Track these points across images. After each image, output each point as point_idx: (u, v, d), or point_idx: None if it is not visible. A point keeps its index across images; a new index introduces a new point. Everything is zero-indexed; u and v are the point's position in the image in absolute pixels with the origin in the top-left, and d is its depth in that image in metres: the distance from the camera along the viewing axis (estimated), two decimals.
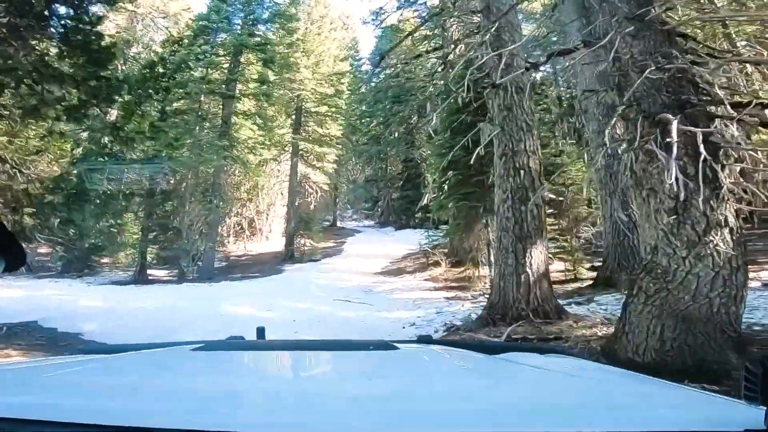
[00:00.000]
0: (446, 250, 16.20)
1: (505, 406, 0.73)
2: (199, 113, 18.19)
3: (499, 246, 7.39)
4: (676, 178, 3.62)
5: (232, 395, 0.78)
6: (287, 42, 20.66)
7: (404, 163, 26.54)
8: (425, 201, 20.75)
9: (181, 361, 1.16)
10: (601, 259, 10.69)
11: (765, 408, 0.61)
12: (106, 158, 18.47)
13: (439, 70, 19.86)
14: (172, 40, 20.08)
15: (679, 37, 4.61)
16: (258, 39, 19.10)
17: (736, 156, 4.14)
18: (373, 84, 24.92)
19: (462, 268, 14.99)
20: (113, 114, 20.30)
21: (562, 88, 16.85)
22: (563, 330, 6.54)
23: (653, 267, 4.30)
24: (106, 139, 18.49)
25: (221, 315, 9.63)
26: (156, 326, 8.60)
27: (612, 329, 6.37)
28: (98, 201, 17.83)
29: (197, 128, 17.79)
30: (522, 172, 7.50)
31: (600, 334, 6.26)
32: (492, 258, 11.52)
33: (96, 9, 9.01)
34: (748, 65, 7.03)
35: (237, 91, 18.17)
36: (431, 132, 16.63)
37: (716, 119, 4.10)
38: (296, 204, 21.19)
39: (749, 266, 4.45)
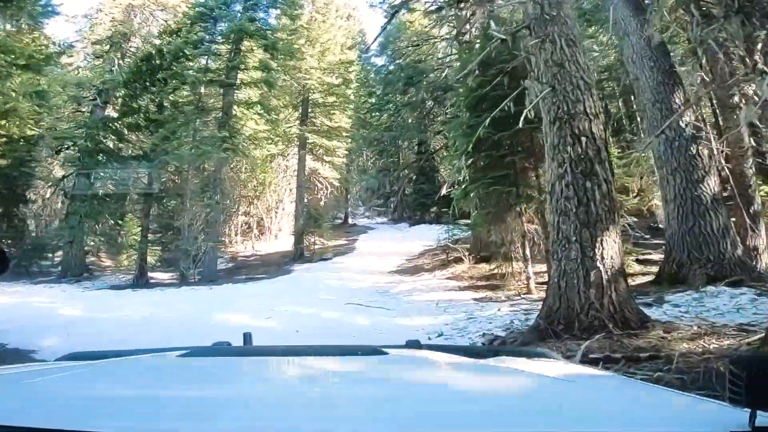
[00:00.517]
0: (468, 246, 14.33)
1: (494, 410, 0.70)
2: (199, 104, 16.50)
3: (557, 235, 5.52)
4: None
5: (217, 402, 0.75)
6: (290, 28, 18.91)
7: (417, 155, 24.69)
8: (443, 192, 18.91)
9: (167, 368, 1.12)
10: (663, 251, 8.73)
11: (749, 410, 0.60)
12: (100, 155, 16.96)
13: (455, 51, 18.05)
14: (170, 31, 18.47)
15: None
16: (259, 25, 17.35)
17: None
18: (382, 65, 23.06)
19: (488, 265, 13.11)
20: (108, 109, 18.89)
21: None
22: (655, 343, 4.67)
23: None
24: (101, 134, 17.05)
25: (212, 325, 7.87)
26: (130, 340, 6.85)
27: (725, 340, 4.61)
28: (94, 202, 16.33)
29: (196, 120, 16.10)
30: (583, 139, 5.63)
31: (711, 347, 4.41)
32: (528, 251, 9.64)
33: None
34: None
35: (238, 80, 16.44)
36: (448, 117, 14.82)
37: None
38: (305, 200, 19.43)
39: None
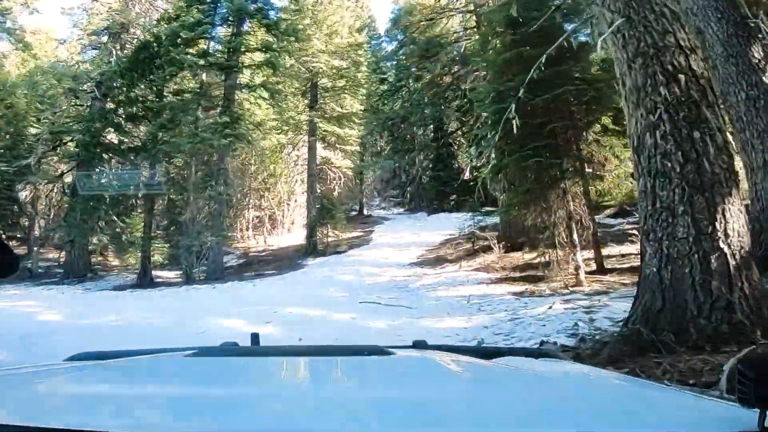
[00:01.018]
0: (497, 233, 12.61)
1: (501, 412, 0.67)
2: (199, 91, 15.02)
3: (651, 206, 3.83)
4: None
5: (225, 401, 0.72)
6: (294, 8, 17.28)
7: (434, 140, 22.91)
8: (467, 175, 17.15)
9: (175, 367, 1.09)
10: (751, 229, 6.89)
11: (758, 410, 0.58)
12: (98, 149, 15.61)
13: (473, 23, 16.25)
14: (168, 17, 16.98)
15: None
16: (259, 5, 15.74)
17: None
18: (394, 49, 21.28)
19: (520, 254, 11.39)
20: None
21: None
22: None
23: None
24: (99, 127, 15.69)
25: (201, 332, 6.35)
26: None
27: None
28: (94, 198, 15.00)
29: (196, 107, 14.62)
30: (681, 77, 3.91)
31: None
32: (575, 236, 7.91)
33: None
34: None
35: (239, 62, 14.88)
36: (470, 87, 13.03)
37: None
38: (317, 191, 17.88)
39: None
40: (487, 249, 12.03)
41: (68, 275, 16.35)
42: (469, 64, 13.70)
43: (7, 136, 16.64)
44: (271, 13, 16.14)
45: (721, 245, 3.48)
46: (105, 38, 19.55)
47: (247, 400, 0.74)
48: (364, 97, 21.01)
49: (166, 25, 16.01)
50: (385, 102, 24.88)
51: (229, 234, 14.30)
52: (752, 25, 7.23)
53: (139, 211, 15.93)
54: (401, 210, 25.46)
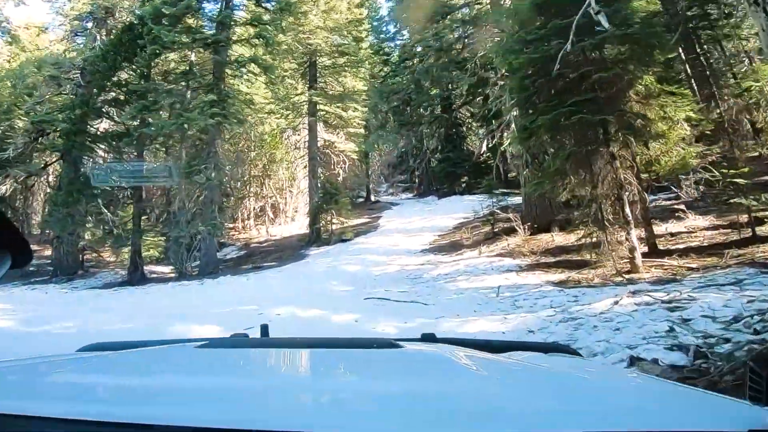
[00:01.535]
0: (521, 214, 10.93)
1: (510, 407, 0.64)
2: (187, 70, 13.38)
3: None
4: None
5: (236, 392, 0.72)
6: None
7: (442, 121, 21.10)
8: (484, 149, 15.40)
9: (186, 359, 1.06)
10: None
11: None
12: (80, 137, 14.09)
13: None
14: None
15: None
16: None
17: None
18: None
19: (547, 236, 9.73)
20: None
21: None
22: None
23: None
24: (78, 111, 14.14)
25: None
26: None
27: None
28: (78, 190, 13.52)
29: (184, 87, 13.01)
30: None
31: None
32: (628, 211, 6.24)
33: None
34: None
35: (228, 37, 13.20)
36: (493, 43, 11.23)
37: None
38: (319, 175, 16.26)
39: None
40: (510, 231, 10.35)
41: (57, 273, 14.95)
42: (480, 24, 11.86)
43: None
44: None
45: None
46: (90, 24, 18.05)
47: (256, 391, 0.73)
48: (367, 78, 19.22)
49: (149, 2, 14.36)
50: (390, 83, 23.07)
51: (224, 224, 12.71)
52: None
53: (129, 202, 14.39)
54: (410, 195, 23.78)
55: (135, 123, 13.41)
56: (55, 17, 18.59)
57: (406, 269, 9.11)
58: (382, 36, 26.05)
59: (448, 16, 13.44)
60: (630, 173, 6.62)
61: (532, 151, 9.85)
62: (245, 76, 13.11)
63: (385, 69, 24.12)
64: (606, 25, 5.32)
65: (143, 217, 15.46)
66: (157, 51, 13.07)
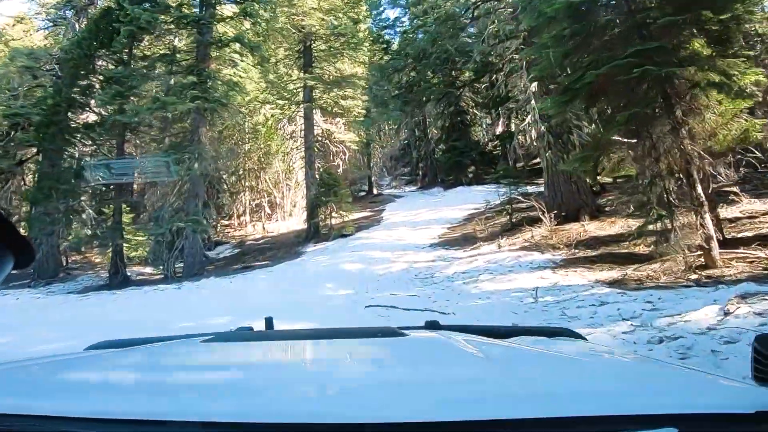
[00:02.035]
0: (545, 202, 9.39)
1: (514, 392, 0.63)
2: (164, 53, 11.91)
3: None
4: None
5: (245, 385, 0.72)
6: None
7: (447, 109, 19.55)
8: (500, 129, 13.80)
9: (193, 353, 1.06)
10: None
11: None
12: (53, 128, 12.65)
13: None
14: None
15: None
16: None
17: None
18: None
19: (576, 225, 8.24)
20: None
21: None
22: None
23: None
24: (50, 101, 12.69)
25: None
26: None
27: None
28: (52, 186, 12.09)
29: (165, 71, 11.54)
30: None
31: None
32: (700, 191, 4.74)
33: None
34: None
35: (211, 14, 11.68)
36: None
37: None
38: (316, 166, 14.76)
39: None
40: (533, 221, 8.83)
41: (36, 276, 13.56)
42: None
43: None
44: None
45: None
46: (70, 13, 16.61)
47: (264, 384, 0.72)
48: (366, 63, 17.63)
49: None
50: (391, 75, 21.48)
51: (210, 220, 11.20)
52: None
53: (104, 198, 12.94)
54: (414, 188, 22.21)
55: (111, 111, 11.94)
56: (30, 6, 17.14)
57: (415, 267, 7.63)
58: (381, 23, 24.49)
59: None
60: (697, 145, 5.08)
61: (569, 122, 8.37)
62: (228, 57, 11.57)
63: (385, 57, 22.57)
64: None
65: (131, 215, 14.08)
66: (133, 32, 11.58)
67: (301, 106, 15.71)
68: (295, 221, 17.37)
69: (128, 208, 14.51)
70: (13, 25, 16.99)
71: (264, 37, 13.65)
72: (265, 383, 0.72)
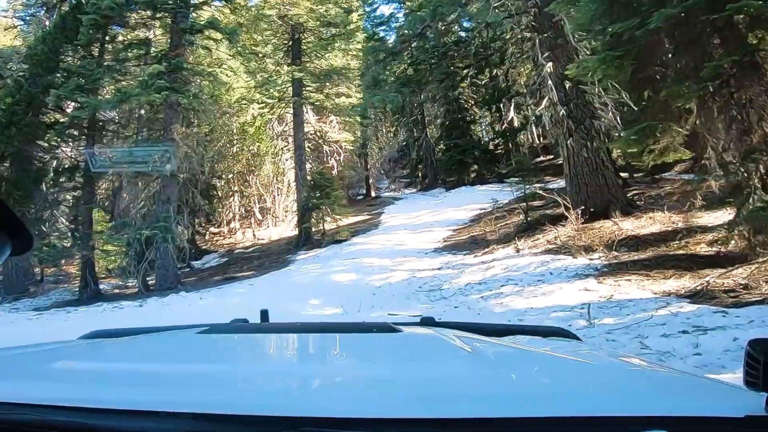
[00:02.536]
0: (566, 198, 8.04)
1: (506, 390, 0.63)
2: (129, 42, 10.63)
3: None
4: None
5: (236, 377, 0.72)
6: None
7: (446, 105, 18.28)
8: (511, 117, 12.41)
9: (187, 344, 1.03)
10: None
11: (766, 393, 0.55)
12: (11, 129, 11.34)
13: None
14: None
15: None
16: None
17: None
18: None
19: (611, 222, 6.92)
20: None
21: None
22: None
23: None
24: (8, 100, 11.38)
25: None
26: None
27: None
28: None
29: (134, 61, 10.24)
30: None
31: None
32: None
33: None
34: None
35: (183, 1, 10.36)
36: None
37: None
38: (306, 167, 13.43)
39: None
40: (553, 220, 7.50)
41: (2, 291, 12.20)
42: None
43: None
44: None
45: None
46: (42, 12, 15.42)
47: (257, 376, 0.73)
48: (359, 56, 16.35)
49: None
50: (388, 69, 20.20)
51: (183, 226, 9.78)
52: None
53: (66, 205, 11.56)
54: (413, 190, 20.82)
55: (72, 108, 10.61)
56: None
57: (419, 277, 6.27)
58: (375, 20, 23.25)
59: None
60: None
61: (590, 105, 7.12)
62: (202, 44, 10.24)
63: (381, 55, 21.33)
64: None
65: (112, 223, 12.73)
66: (98, 22, 10.26)
67: (291, 103, 14.41)
68: (288, 227, 16.01)
69: (104, 215, 13.25)
70: None
71: (247, 27, 12.42)
72: (256, 376, 0.72)
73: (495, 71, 18.75)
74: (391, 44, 18.15)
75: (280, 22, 13.91)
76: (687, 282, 3.90)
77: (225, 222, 17.75)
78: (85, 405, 0.54)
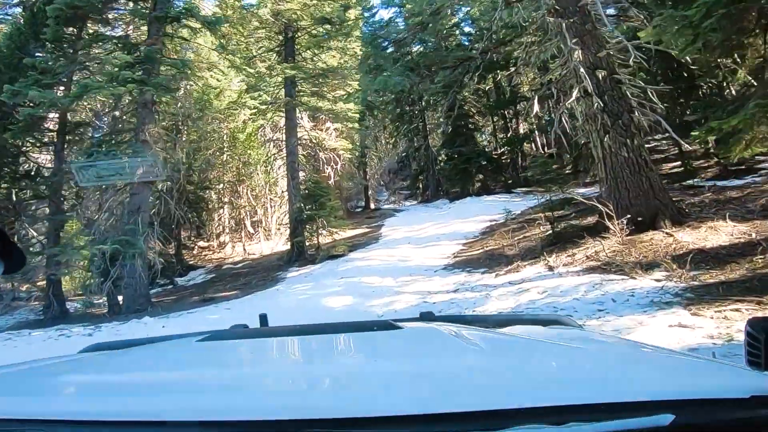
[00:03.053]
0: (594, 205, 6.78)
1: (509, 381, 0.61)
2: (95, 32, 9.47)
3: None
4: None
5: (241, 383, 0.69)
6: None
7: (448, 113, 17.14)
8: (536, 106, 11.05)
9: (189, 352, 1.01)
10: None
11: None
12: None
13: None
14: None
15: None
16: None
17: None
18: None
19: (662, 234, 5.68)
20: None
21: None
22: None
23: None
24: None
25: None
26: None
27: None
28: None
29: (104, 55, 9.06)
30: None
31: None
32: None
33: None
34: None
35: None
36: None
37: None
38: (299, 175, 12.19)
39: None
40: (588, 231, 6.23)
41: None
42: None
43: None
44: None
45: None
46: (18, 10, 14.32)
47: (261, 381, 0.71)
48: (357, 56, 15.24)
49: None
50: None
51: (153, 240, 8.42)
52: None
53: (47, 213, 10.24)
54: (414, 202, 19.62)
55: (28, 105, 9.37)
56: None
57: (432, 302, 4.97)
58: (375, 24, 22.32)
59: None
60: None
61: (627, 99, 5.95)
62: (178, 34, 9.07)
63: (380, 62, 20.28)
64: None
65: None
66: (64, 13, 9.09)
67: (283, 104, 13.21)
68: (280, 241, 14.71)
69: (74, 227, 11.95)
70: None
71: (237, 26, 11.33)
72: (261, 380, 0.70)
73: (499, 76, 17.75)
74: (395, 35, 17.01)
75: (273, 20, 12.85)
76: None
77: (215, 235, 16.46)
78: (90, 418, 0.53)
